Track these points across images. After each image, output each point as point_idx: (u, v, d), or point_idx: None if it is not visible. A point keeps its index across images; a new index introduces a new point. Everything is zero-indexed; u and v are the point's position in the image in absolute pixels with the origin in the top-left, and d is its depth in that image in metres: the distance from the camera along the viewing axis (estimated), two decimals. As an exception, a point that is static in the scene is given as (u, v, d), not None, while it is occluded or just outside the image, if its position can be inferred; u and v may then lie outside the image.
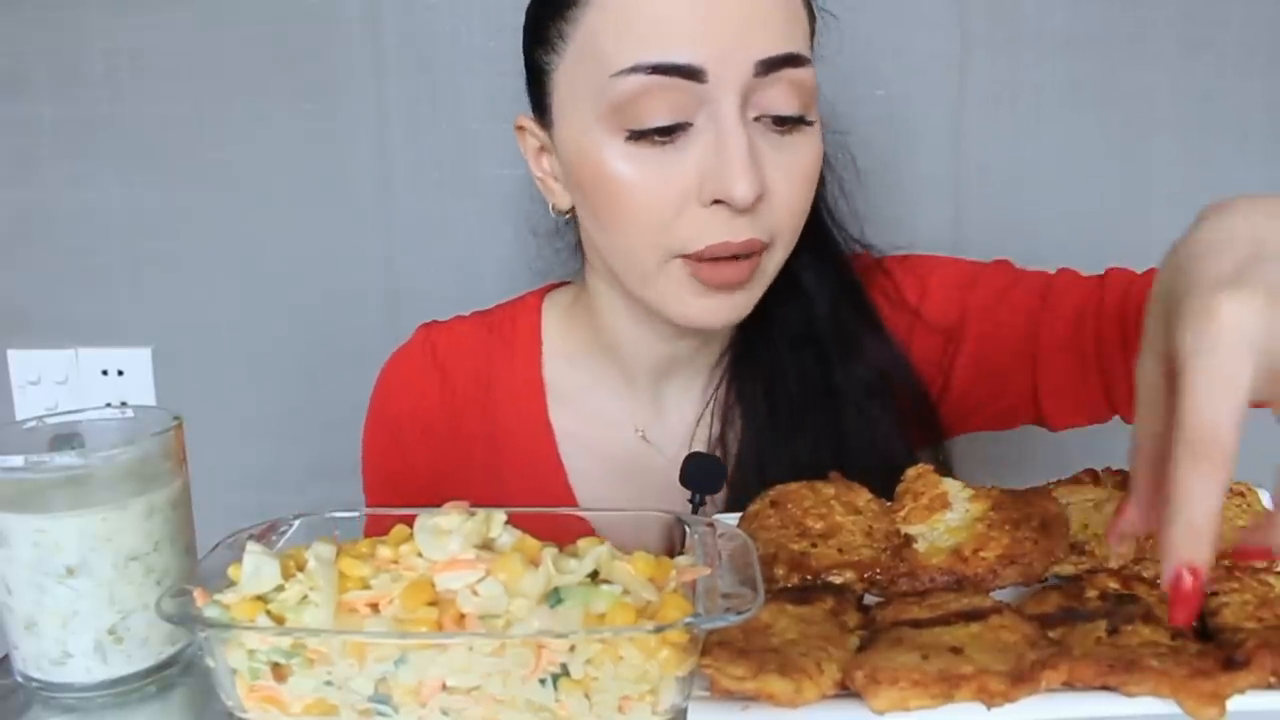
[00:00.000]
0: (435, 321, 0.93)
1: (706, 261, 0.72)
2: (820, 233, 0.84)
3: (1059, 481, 0.65)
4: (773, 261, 0.76)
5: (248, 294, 1.19)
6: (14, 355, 1.21)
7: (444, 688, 0.47)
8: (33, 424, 0.61)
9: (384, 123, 1.15)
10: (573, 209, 0.81)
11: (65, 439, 0.62)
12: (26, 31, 1.14)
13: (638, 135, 0.70)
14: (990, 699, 0.45)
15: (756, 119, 0.71)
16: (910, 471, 0.65)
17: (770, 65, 0.70)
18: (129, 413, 0.64)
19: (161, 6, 1.13)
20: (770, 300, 0.80)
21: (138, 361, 1.21)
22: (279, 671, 0.48)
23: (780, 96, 0.71)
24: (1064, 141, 1.12)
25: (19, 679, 0.59)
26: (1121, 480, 0.64)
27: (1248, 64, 1.09)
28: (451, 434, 0.89)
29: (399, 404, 0.90)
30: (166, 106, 1.15)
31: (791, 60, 0.71)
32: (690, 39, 0.69)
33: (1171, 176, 1.11)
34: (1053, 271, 0.85)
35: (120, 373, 1.21)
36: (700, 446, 0.85)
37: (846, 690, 0.46)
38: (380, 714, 0.48)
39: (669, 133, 0.70)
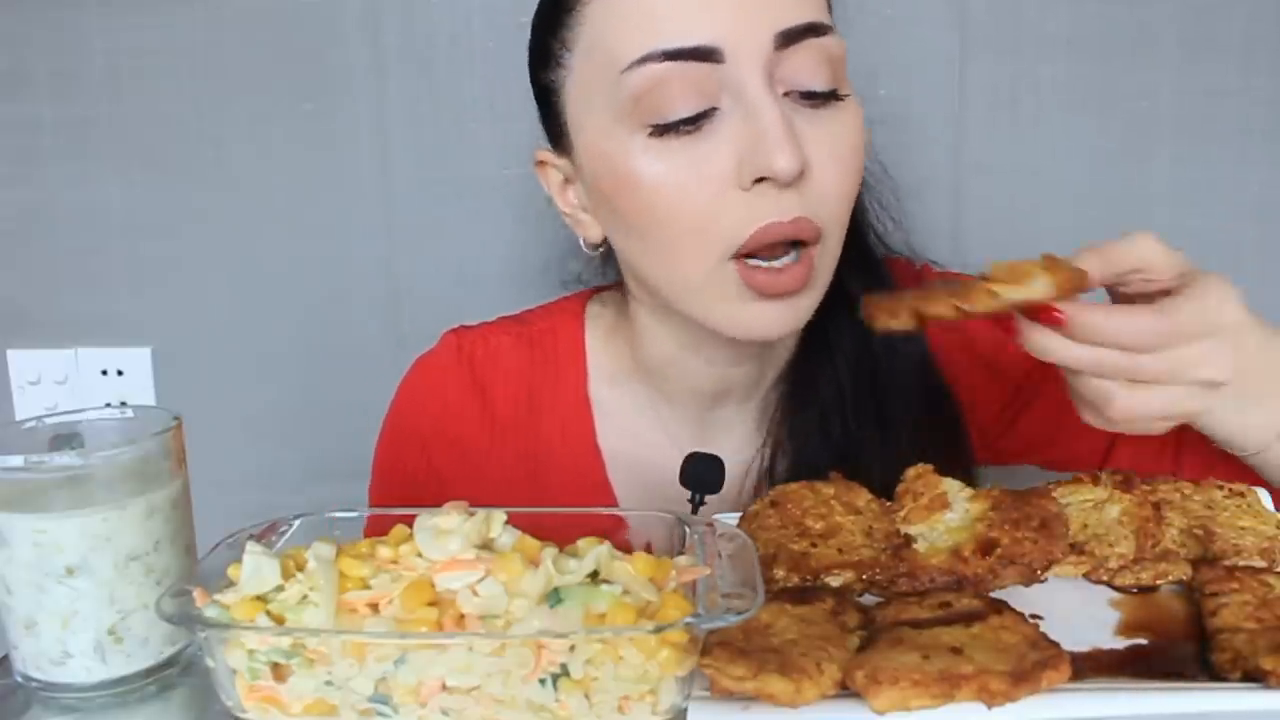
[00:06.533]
0: (465, 328, 0.87)
1: (755, 267, 0.67)
2: (863, 247, 0.80)
3: (1059, 481, 0.65)
4: (825, 258, 0.70)
5: (248, 294, 1.19)
6: (14, 355, 1.21)
7: (444, 688, 0.47)
8: (32, 424, 0.61)
9: (384, 123, 1.14)
10: (605, 240, 0.76)
11: (65, 439, 0.62)
12: (26, 31, 1.14)
13: (662, 129, 0.66)
14: (991, 699, 0.45)
15: (785, 94, 0.67)
16: (910, 471, 0.65)
17: (791, 36, 0.66)
18: (129, 413, 0.64)
19: (161, 6, 1.13)
20: (822, 320, 0.75)
21: (138, 361, 1.21)
22: (279, 671, 0.48)
23: (806, 68, 0.67)
24: (1064, 142, 1.11)
25: (19, 679, 0.59)
26: (1122, 481, 0.64)
27: (1249, 64, 1.09)
28: (491, 453, 0.84)
29: (430, 417, 0.85)
30: (166, 106, 1.15)
31: (814, 29, 0.67)
32: (702, 18, 0.65)
33: (1171, 176, 1.11)
34: None
35: (120, 373, 1.21)
36: (752, 474, 0.82)
37: (847, 690, 0.46)
38: (380, 714, 0.48)
39: (695, 121, 0.66)
